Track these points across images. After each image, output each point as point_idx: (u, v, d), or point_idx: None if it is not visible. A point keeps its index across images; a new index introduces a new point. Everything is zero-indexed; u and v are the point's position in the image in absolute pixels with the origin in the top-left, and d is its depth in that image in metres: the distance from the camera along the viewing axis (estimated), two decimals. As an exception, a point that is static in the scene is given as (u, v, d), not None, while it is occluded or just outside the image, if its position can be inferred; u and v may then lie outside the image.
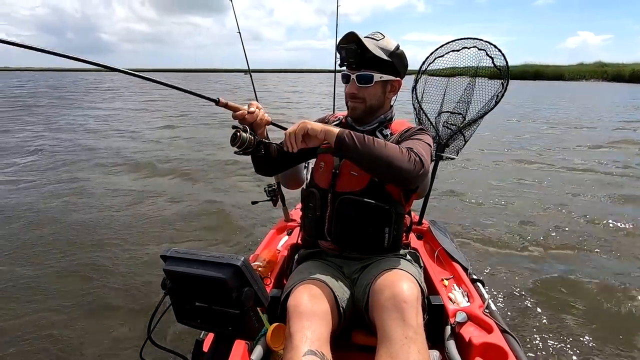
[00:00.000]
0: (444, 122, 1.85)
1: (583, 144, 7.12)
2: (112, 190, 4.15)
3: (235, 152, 1.06)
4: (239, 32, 2.20)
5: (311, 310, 0.94)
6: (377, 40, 1.15)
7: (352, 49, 1.11)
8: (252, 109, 1.07)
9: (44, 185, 4.33)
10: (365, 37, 1.14)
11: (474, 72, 1.76)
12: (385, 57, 1.13)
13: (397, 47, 1.16)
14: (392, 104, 1.26)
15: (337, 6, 2.34)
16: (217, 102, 1.03)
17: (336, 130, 1.00)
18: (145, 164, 5.37)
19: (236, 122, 1.09)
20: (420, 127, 1.20)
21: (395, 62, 1.16)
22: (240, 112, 1.07)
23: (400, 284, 0.97)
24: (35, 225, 3.17)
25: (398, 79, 1.19)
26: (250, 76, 2.16)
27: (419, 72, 1.85)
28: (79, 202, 3.76)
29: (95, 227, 3.14)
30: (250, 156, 1.18)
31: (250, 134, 1.05)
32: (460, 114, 1.81)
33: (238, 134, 1.03)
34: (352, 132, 1.00)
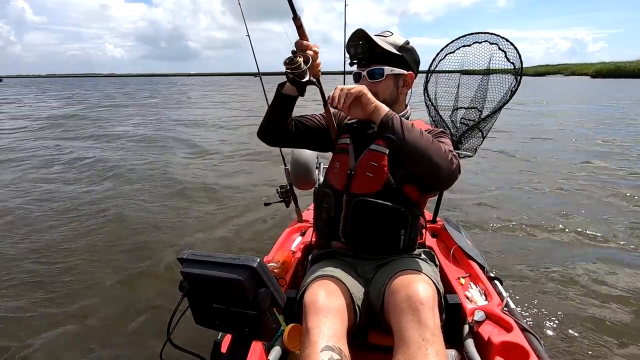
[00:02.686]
0: (461, 118, 1.80)
1: None
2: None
3: (285, 73, 1.01)
4: (248, 35, 2.22)
5: (327, 306, 0.94)
6: (386, 37, 1.16)
7: (360, 45, 1.12)
8: (317, 49, 1.01)
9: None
10: (374, 35, 1.14)
11: (486, 69, 1.72)
12: (394, 51, 1.14)
13: (407, 42, 1.17)
14: (407, 102, 1.25)
15: (345, 5, 2.33)
16: (296, 17, 0.96)
17: (386, 109, 1.00)
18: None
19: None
20: (441, 129, 1.19)
21: (406, 56, 1.16)
22: (307, 43, 0.99)
23: (416, 285, 0.96)
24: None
25: (410, 72, 1.18)
26: (260, 79, 2.17)
27: (430, 69, 1.83)
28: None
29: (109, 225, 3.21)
30: (276, 105, 1.12)
31: (307, 67, 0.98)
32: (476, 108, 1.75)
33: (297, 57, 0.97)
34: (401, 117, 1.00)
